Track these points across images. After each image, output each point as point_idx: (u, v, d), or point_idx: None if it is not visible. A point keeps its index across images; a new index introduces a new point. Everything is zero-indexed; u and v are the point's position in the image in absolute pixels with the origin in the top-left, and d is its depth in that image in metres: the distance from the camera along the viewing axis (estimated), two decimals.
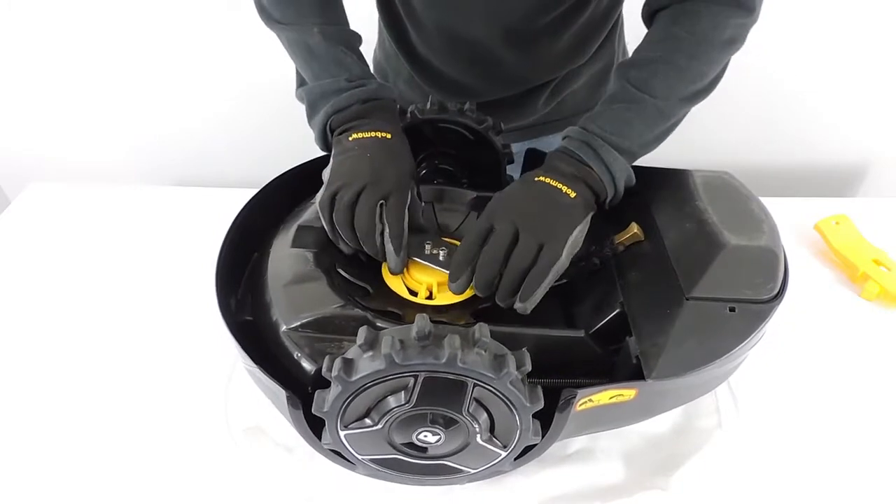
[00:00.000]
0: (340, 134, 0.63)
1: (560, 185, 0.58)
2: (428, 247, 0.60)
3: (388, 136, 0.62)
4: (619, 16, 0.85)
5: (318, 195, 0.59)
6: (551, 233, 0.55)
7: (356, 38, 0.69)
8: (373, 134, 0.61)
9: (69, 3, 1.23)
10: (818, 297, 0.83)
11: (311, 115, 0.66)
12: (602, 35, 0.81)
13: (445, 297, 0.60)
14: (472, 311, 0.60)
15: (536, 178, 0.60)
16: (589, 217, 0.59)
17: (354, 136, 0.61)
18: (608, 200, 0.61)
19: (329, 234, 0.59)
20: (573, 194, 0.58)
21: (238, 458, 0.64)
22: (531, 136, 0.89)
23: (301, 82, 0.69)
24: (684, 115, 0.64)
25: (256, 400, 0.57)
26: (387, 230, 0.57)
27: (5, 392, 0.72)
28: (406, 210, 0.58)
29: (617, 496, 0.61)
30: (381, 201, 0.57)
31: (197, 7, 1.23)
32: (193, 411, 0.69)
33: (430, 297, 0.60)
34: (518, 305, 0.55)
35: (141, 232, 0.96)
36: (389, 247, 0.57)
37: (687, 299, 0.52)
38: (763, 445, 0.67)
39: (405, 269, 0.60)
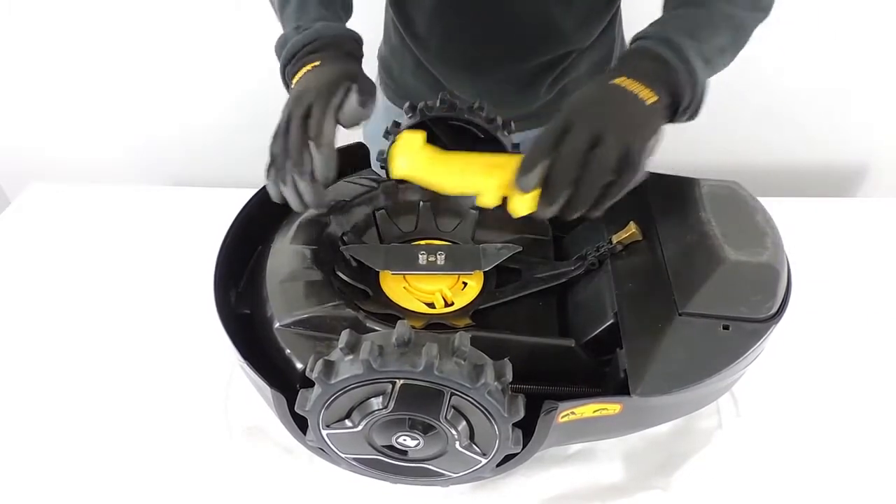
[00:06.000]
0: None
1: (639, 89, 0.53)
2: (422, 256, 0.60)
3: (318, 63, 0.59)
4: (620, 8, 0.85)
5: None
6: (635, 139, 0.50)
7: None
8: (302, 71, 0.59)
9: (69, 4, 1.25)
10: (818, 298, 0.81)
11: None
12: (607, 17, 0.81)
13: (463, 299, 0.60)
14: (471, 313, 0.60)
15: (612, 81, 0.54)
16: (663, 128, 0.54)
17: (293, 83, 0.60)
18: (685, 109, 0.57)
19: (271, 182, 0.55)
20: (654, 98, 0.53)
21: (238, 458, 0.65)
22: (534, 125, 0.88)
23: None
24: (748, 33, 0.62)
25: (257, 400, 0.57)
26: (309, 137, 0.52)
27: (5, 392, 0.73)
28: (332, 110, 0.53)
29: (617, 496, 0.62)
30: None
31: (197, 7, 1.24)
32: (193, 411, 0.70)
33: (448, 305, 0.60)
34: (589, 213, 0.51)
35: (141, 232, 0.96)
36: (311, 146, 0.52)
37: (679, 314, 0.51)
38: (763, 446, 0.66)
39: (408, 285, 0.60)
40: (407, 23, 0.83)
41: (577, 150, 0.49)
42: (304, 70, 0.59)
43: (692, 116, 0.58)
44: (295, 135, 0.53)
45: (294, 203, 0.55)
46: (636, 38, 0.60)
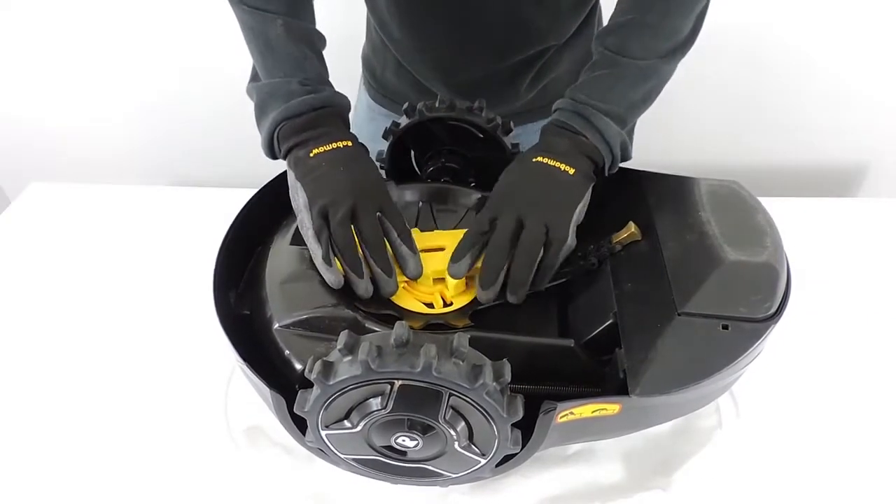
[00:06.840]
0: (294, 148, 0.60)
1: (558, 164, 0.59)
2: None
3: (349, 143, 0.60)
4: (598, 3, 0.85)
5: (303, 220, 0.57)
6: (556, 215, 0.57)
7: (320, 40, 0.67)
8: (333, 146, 0.60)
9: (69, 4, 1.25)
10: (818, 298, 0.81)
11: (259, 117, 0.64)
12: (582, 13, 0.81)
13: (462, 299, 0.60)
14: (470, 313, 0.60)
15: (534, 160, 0.60)
16: (590, 191, 0.60)
17: (315, 151, 0.59)
18: (607, 168, 0.62)
19: (321, 258, 0.55)
20: (572, 171, 0.59)
21: (238, 458, 0.65)
22: (517, 123, 0.88)
23: (254, 77, 0.66)
24: (670, 73, 0.65)
25: (256, 400, 0.57)
26: (394, 235, 0.56)
27: (4, 392, 0.73)
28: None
29: (617, 496, 0.62)
30: (379, 213, 0.56)
31: (197, 6, 1.25)
32: (193, 412, 0.69)
33: (447, 305, 0.60)
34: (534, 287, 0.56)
35: (141, 232, 0.96)
36: (404, 249, 0.56)
37: (679, 314, 0.51)
38: (763, 445, 0.66)
39: (407, 285, 0.60)
40: (381, 24, 0.83)
41: (505, 238, 0.55)
42: (331, 146, 0.59)
43: (625, 160, 0.64)
44: (375, 234, 0.55)
45: (364, 292, 0.56)
46: (554, 108, 0.65)
